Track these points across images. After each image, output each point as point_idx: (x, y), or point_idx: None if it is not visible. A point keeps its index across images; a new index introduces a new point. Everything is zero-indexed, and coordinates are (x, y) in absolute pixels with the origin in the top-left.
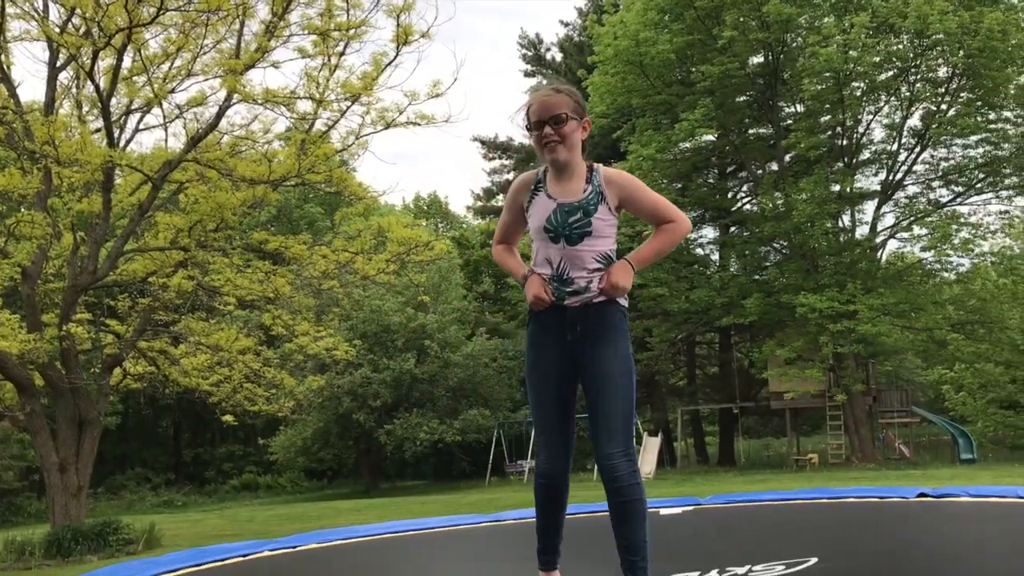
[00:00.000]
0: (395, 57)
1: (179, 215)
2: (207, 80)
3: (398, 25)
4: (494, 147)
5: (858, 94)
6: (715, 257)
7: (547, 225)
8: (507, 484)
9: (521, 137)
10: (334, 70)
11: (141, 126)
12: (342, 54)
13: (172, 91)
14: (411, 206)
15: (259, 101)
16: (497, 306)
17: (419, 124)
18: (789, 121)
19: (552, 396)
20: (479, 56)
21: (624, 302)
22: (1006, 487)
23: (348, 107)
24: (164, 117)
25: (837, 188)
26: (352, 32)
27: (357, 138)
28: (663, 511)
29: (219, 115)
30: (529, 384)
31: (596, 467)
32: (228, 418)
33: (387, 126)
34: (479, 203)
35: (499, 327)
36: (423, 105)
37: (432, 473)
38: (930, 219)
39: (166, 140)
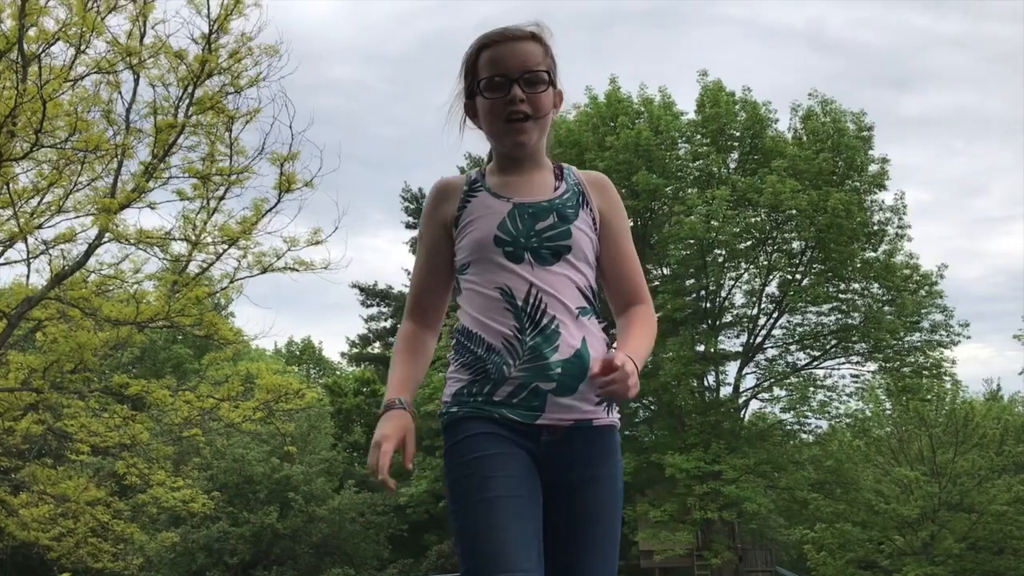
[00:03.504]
0: (276, 204)
1: (35, 354)
2: (78, 217)
3: (281, 173)
4: (372, 294)
5: (720, 261)
6: None
7: (500, 233)
8: None
9: (400, 286)
10: (213, 213)
11: (1, 260)
12: (222, 198)
13: (39, 227)
14: (283, 351)
15: (132, 241)
16: (367, 457)
17: (297, 270)
18: (657, 283)
19: (524, 497)
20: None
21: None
22: None
23: (225, 250)
24: (28, 252)
25: (702, 348)
26: (234, 177)
27: (232, 281)
28: None
29: (88, 253)
30: (474, 481)
31: None
32: None
33: (264, 271)
34: (354, 350)
35: (368, 480)
36: (302, 251)
37: None
38: (788, 381)
39: (28, 276)
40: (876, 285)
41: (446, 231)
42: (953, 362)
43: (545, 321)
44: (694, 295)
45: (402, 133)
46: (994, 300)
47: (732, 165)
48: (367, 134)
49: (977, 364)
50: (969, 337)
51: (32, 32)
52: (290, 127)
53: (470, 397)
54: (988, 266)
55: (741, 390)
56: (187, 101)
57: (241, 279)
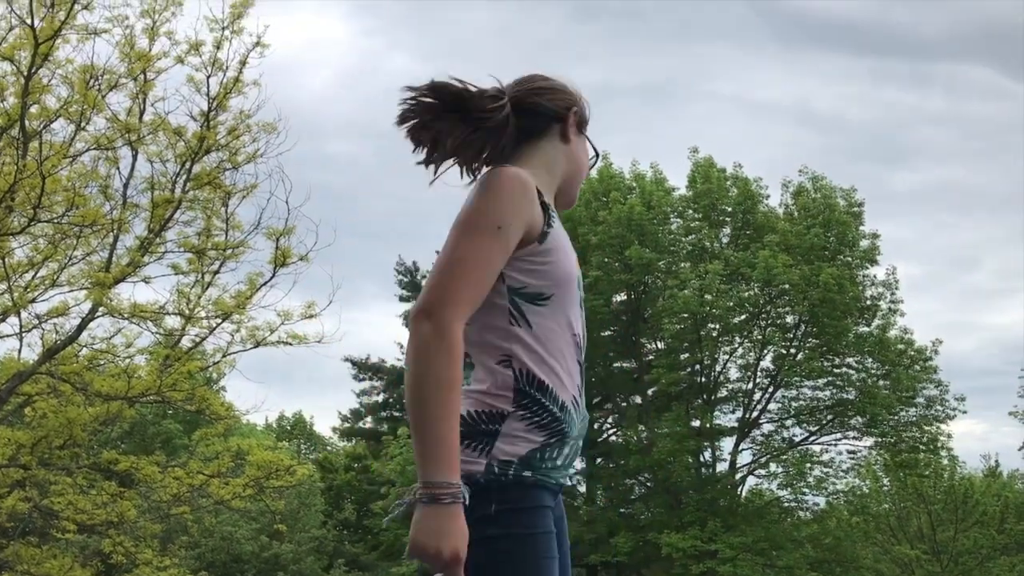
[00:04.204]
0: (271, 278)
1: (23, 430)
2: (71, 291)
3: (277, 248)
4: (365, 368)
5: (714, 335)
6: (582, 489)
7: (579, 272)
8: None
9: (393, 359)
10: (207, 287)
11: None
12: (217, 272)
13: (33, 300)
14: (275, 425)
15: (125, 315)
16: (358, 535)
17: (291, 344)
18: (651, 357)
19: None
20: (357, 278)
21: None
22: None
23: (218, 324)
24: (21, 326)
25: (697, 424)
26: (229, 252)
27: (224, 355)
28: None
29: (81, 327)
30: (547, 563)
31: None
32: None
33: (257, 344)
34: (346, 424)
35: (359, 559)
36: (296, 325)
37: None
38: (785, 457)
39: (20, 350)
40: (870, 360)
41: (521, 237)
42: (949, 436)
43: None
44: (688, 369)
45: (394, 206)
46: (989, 374)
47: (724, 240)
48: (361, 207)
49: (973, 440)
50: (966, 412)
51: (34, 109)
52: (286, 202)
53: (542, 463)
54: (982, 339)
55: (737, 466)
56: (184, 177)
57: (234, 353)
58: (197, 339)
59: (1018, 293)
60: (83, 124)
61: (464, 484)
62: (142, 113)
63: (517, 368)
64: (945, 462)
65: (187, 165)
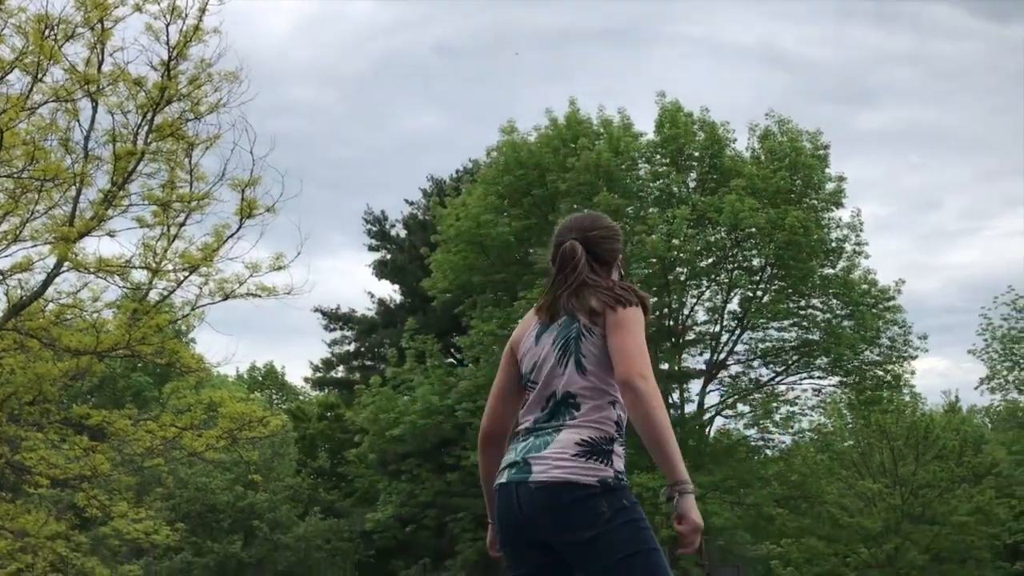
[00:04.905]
0: (238, 230)
1: None
2: (35, 246)
3: (242, 199)
4: (335, 318)
5: (682, 279)
6: None
7: None
8: None
9: (364, 309)
10: (173, 240)
11: None
12: (182, 225)
13: None
14: (246, 377)
15: (91, 270)
16: (332, 482)
17: (260, 296)
18: None
19: None
20: (324, 228)
21: None
22: None
23: (186, 277)
24: None
25: (666, 367)
26: (194, 204)
27: (193, 308)
28: None
29: (46, 283)
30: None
31: None
32: None
33: (226, 297)
34: (318, 374)
35: (334, 505)
36: (264, 277)
37: None
38: (752, 397)
39: None
40: (835, 300)
41: None
42: (912, 373)
43: None
44: (657, 313)
45: (360, 154)
46: (951, 313)
47: (692, 184)
48: (326, 156)
49: (936, 376)
50: (927, 351)
51: None
52: (251, 152)
53: (625, 473)
54: (944, 279)
55: (705, 407)
56: (146, 128)
57: (203, 306)
58: (165, 292)
59: (981, 233)
60: (40, 76)
61: (599, 484)
62: (100, 63)
63: (618, 408)
64: (907, 399)
65: (149, 116)
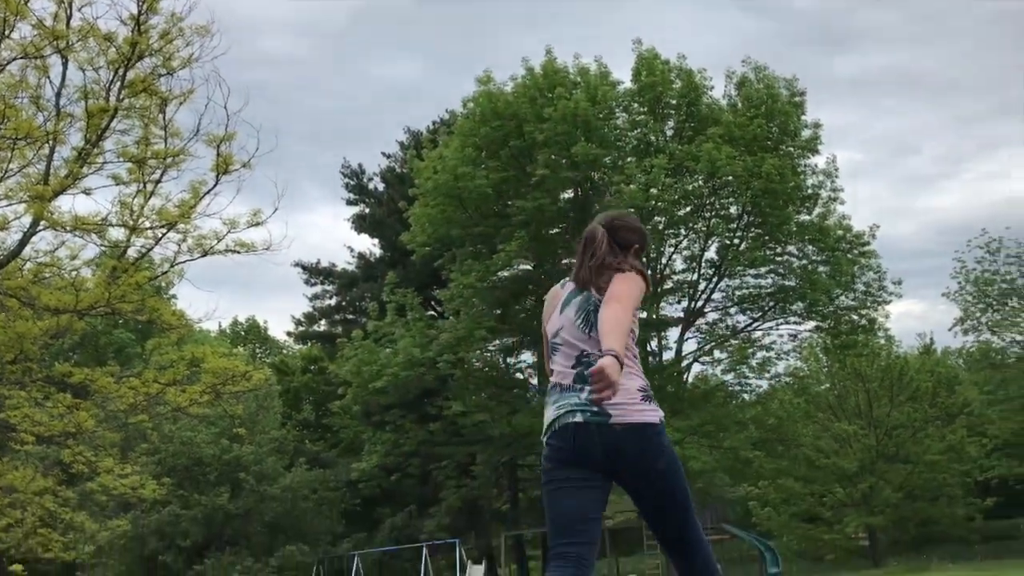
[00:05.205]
0: (214, 185)
1: None
2: (10, 205)
3: (218, 155)
4: (316, 273)
5: (660, 228)
6: (534, 382)
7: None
8: None
9: (344, 263)
10: (149, 197)
11: None
12: (158, 181)
13: None
14: (228, 331)
15: (68, 228)
16: (318, 434)
17: (239, 252)
18: None
19: None
20: (302, 182)
21: None
22: None
23: (163, 234)
24: None
25: (644, 315)
26: (169, 160)
27: (172, 265)
28: None
29: (23, 242)
30: None
31: None
32: (17, 567)
33: (205, 254)
34: (300, 328)
35: (320, 456)
36: (242, 233)
37: None
38: (729, 343)
39: None
40: (811, 247)
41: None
42: (887, 316)
43: None
44: None
45: (337, 105)
46: (927, 256)
47: (669, 133)
48: (302, 108)
49: (912, 319)
50: (901, 296)
51: None
52: (225, 107)
53: None
54: (921, 223)
55: (683, 354)
56: (119, 84)
57: (182, 263)
58: (143, 250)
59: (957, 177)
60: (7, 32)
61: (660, 422)
62: (69, 19)
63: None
64: (882, 342)
65: (120, 72)
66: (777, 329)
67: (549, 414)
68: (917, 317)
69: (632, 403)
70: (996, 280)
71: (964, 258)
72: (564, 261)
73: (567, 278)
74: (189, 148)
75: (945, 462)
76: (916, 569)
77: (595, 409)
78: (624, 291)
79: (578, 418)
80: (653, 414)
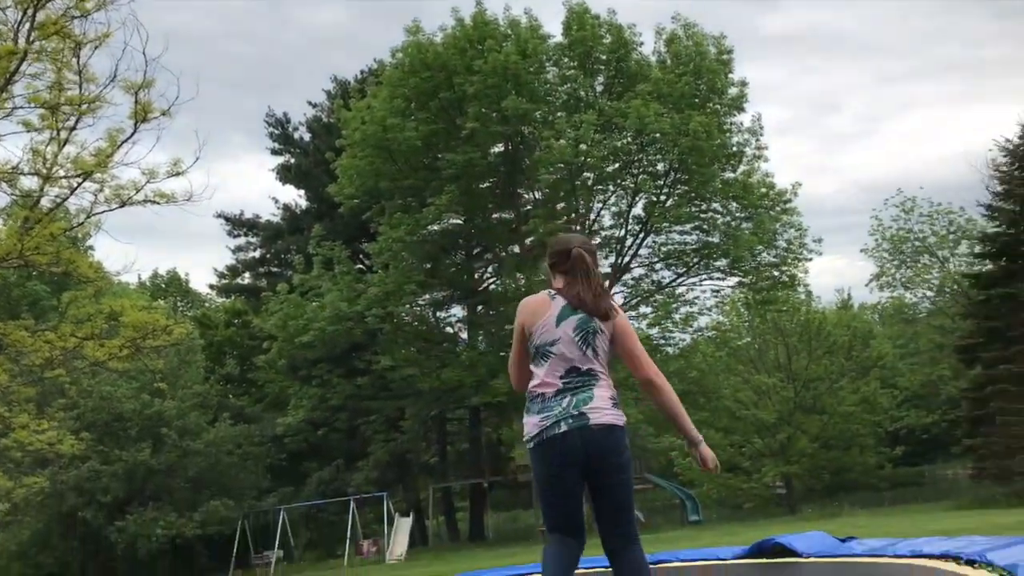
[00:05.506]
0: (133, 134)
1: None
2: None
3: (136, 102)
4: (239, 224)
5: (589, 184)
6: (464, 336)
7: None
8: None
9: (268, 215)
10: (63, 145)
11: None
12: (73, 129)
13: None
14: (148, 284)
15: None
16: (242, 388)
17: (158, 203)
18: (529, 207)
19: None
20: (224, 130)
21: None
22: (713, 549)
23: (79, 184)
24: None
25: None
26: (85, 107)
27: (89, 216)
28: None
29: None
30: None
31: None
32: None
33: (123, 204)
34: (223, 281)
35: (244, 411)
36: (163, 183)
37: (170, 571)
38: (655, 299)
39: None
40: (735, 204)
41: None
42: (807, 272)
43: None
44: (565, 219)
45: (261, 51)
46: (848, 213)
47: (599, 89)
48: (225, 52)
49: (831, 275)
50: (821, 253)
51: None
52: (144, 53)
53: None
54: (842, 180)
55: None
56: (28, 25)
57: (99, 213)
58: (58, 200)
59: (877, 136)
60: None
61: (623, 424)
62: None
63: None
64: (802, 297)
65: (30, 12)
66: (701, 285)
67: (534, 422)
68: (837, 273)
69: (605, 408)
70: (910, 238)
71: (881, 216)
72: (494, 216)
73: (553, 291)
74: (105, 95)
75: (858, 413)
76: (829, 515)
77: (575, 413)
78: (643, 351)
79: (563, 428)
80: (620, 418)
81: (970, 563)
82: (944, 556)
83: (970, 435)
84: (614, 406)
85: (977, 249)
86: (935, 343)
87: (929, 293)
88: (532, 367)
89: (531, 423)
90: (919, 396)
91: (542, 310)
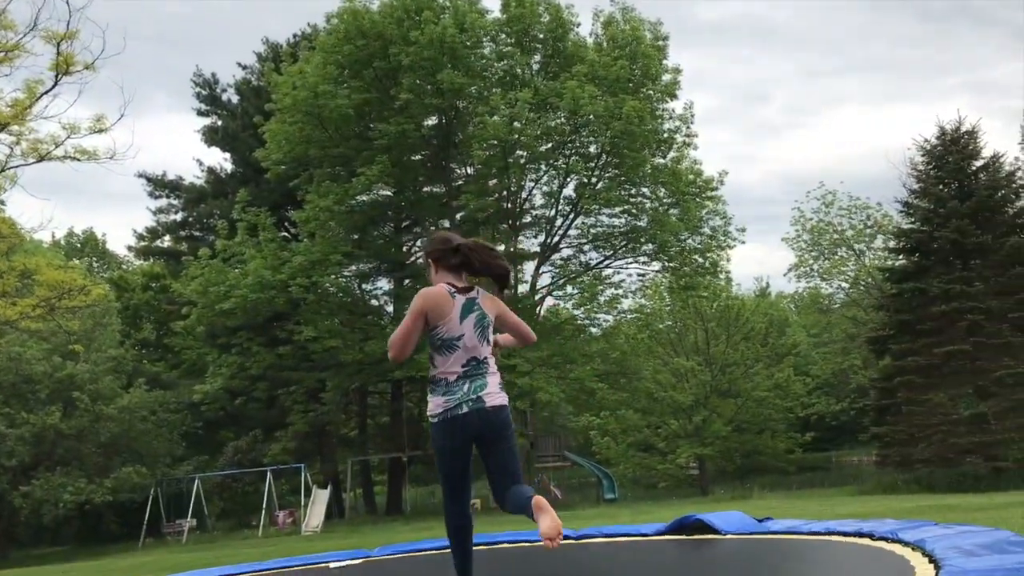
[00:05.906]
0: (53, 86)
1: None
2: None
3: (58, 53)
4: (161, 185)
5: (522, 162)
6: (390, 309)
7: None
8: (164, 546)
9: (192, 177)
10: None
11: None
12: None
13: None
14: (63, 243)
15: None
16: (159, 354)
17: (79, 159)
18: (460, 182)
19: None
20: (150, 88)
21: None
22: (637, 526)
23: None
24: None
25: (502, 248)
26: (2, 55)
27: (3, 170)
28: (333, 564)
29: None
30: None
31: None
32: None
33: (40, 159)
34: (142, 243)
35: (160, 377)
36: (84, 139)
37: (75, 538)
38: (581, 279)
39: None
40: (663, 190)
41: None
42: (728, 260)
43: None
44: (496, 196)
45: (190, 9)
46: (770, 203)
47: (535, 67)
48: (153, 8)
49: (752, 263)
50: (744, 242)
51: None
52: (67, 2)
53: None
54: (767, 171)
55: (537, 287)
56: None
57: (14, 167)
58: None
59: (802, 128)
60: None
61: (507, 403)
62: None
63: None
64: (723, 284)
65: None
66: (626, 268)
67: (440, 403)
68: (758, 261)
69: (496, 392)
70: (828, 231)
71: (802, 208)
72: (425, 189)
73: (452, 288)
74: (25, 44)
75: (771, 398)
76: (740, 497)
77: (474, 398)
78: (520, 319)
79: (464, 409)
80: (506, 399)
81: (883, 539)
82: (858, 534)
83: (877, 423)
84: (501, 389)
85: (892, 244)
86: (847, 333)
87: (844, 285)
88: (436, 355)
89: (437, 403)
90: (830, 384)
91: (447, 308)
